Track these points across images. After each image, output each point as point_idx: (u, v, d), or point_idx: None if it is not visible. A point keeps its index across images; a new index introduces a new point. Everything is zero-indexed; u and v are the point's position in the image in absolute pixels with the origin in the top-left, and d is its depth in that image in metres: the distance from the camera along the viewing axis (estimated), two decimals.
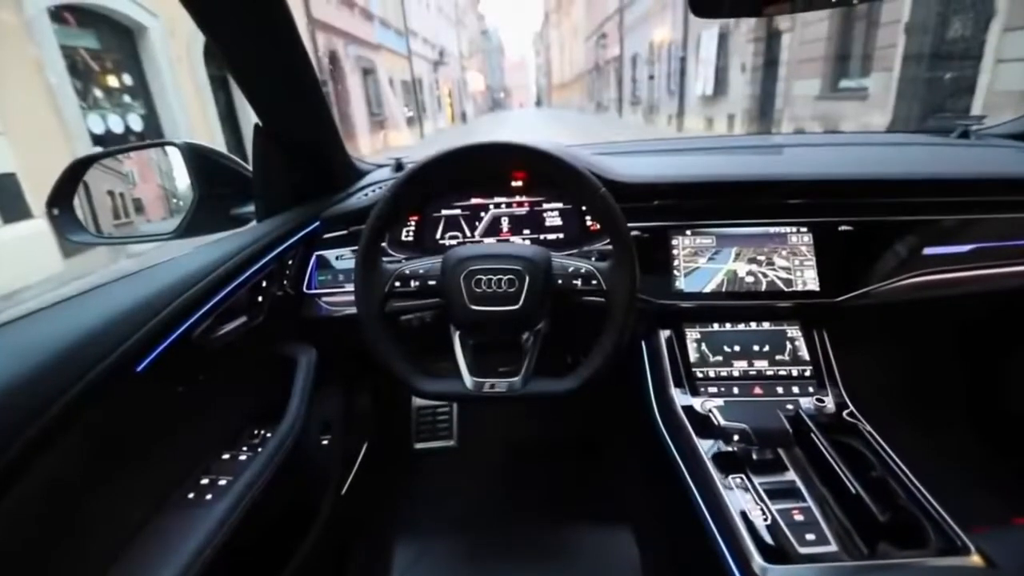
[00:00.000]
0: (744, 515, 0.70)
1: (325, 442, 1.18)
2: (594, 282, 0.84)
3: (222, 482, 0.77)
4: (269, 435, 0.88)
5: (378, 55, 16.36)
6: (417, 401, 1.66)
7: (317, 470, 1.16)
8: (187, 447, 0.81)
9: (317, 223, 1.11)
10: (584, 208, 1.14)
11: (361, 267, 0.84)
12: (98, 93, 5.72)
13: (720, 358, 1.00)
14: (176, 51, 6.68)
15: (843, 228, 1.02)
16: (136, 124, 6.10)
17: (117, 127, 5.80)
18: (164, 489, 0.75)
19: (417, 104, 21.20)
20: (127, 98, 6.14)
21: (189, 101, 6.90)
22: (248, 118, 1.05)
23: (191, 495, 0.75)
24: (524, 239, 1.15)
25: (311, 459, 1.14)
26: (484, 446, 1.60)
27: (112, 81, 5.96)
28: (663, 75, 15.99)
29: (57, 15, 5.17)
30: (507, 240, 1.15)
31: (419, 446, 1.59)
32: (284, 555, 0.98)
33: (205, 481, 0.78)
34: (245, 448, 0.86)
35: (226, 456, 0.84)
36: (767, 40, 9.58)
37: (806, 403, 0.89)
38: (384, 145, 15.33)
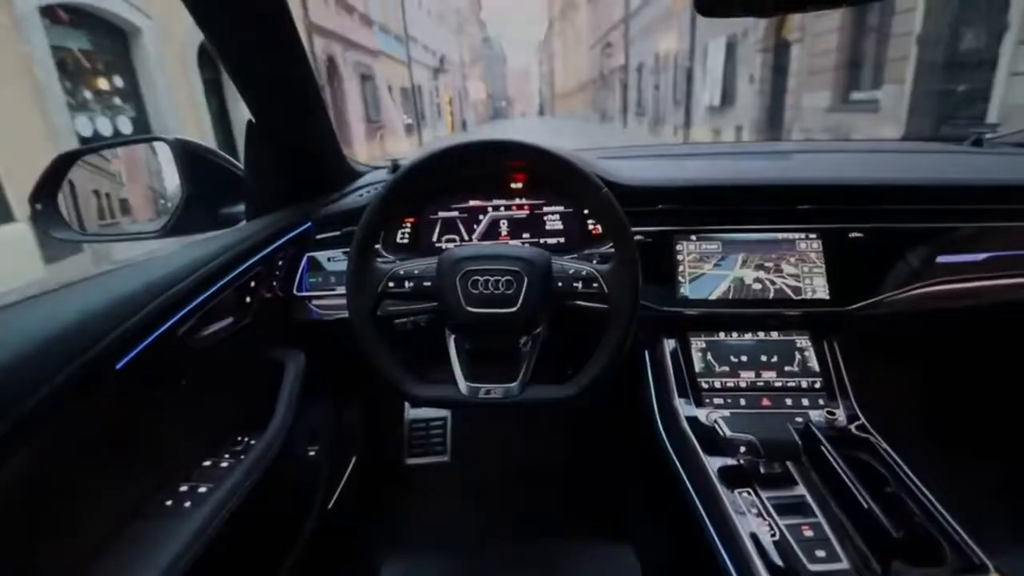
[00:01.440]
0: (753, 535, 0.68)
1: (312, 453, 1.15)
2: (595, 285, 0.81)
3: (202, 489, 0.74)
4: (253, 442, 0.84)
5: (377, 61, 16.33)
6: (410, 414, 1.60)
7: (303, 482, 1.13)
8: (167, 451, 0.78)
9: (309, 224, 1.09)
10: (586, 211, 1.10)
11: (354, 266, 0.81)
12: (87, 94, 5.62)
13: (726, 368, 0.98)
14: (170, 54, 6.56)
15: (854, 235, 1.00)
16: (125, 127, 6.00)
17: (105, 129, 5.70)
18: (142, 494, 0.72)
19: (416, 111, 21.15)
20: (117, 100, 6.04)
21: (181, 105, 6.77)
22: (241, 123, 0.97)
23: (169, 502, 0.72)
24: (523, 242, 1.11)
25: (296, 470, 1.10)
26: (479, 462, 1.55)
27: (102, 83, 5.86)
28: (669, 85, 15.88)
29: (51, 13, 5.08)
30: (506, 243, 1.11)
31: (411, 461, 1.53)
32: (266, 570, 0.95)
33: (184, 488, 0.75)
34: (228, 455, 0.82)
35: (207, 463, 0.81)
36: (775, 50, 9.46)
37: (816, 415, 0.87)
38: (381, 152, 15.26)
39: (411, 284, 0.84)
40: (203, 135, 7.12)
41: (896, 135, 6.33)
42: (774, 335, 1.01)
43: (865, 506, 0.65)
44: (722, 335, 1.01)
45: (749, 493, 0.74)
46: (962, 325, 1.15)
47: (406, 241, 1.13)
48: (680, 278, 1.02)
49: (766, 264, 1.02)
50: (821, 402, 0.92)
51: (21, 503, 0.55)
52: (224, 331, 0.83)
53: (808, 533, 0.67)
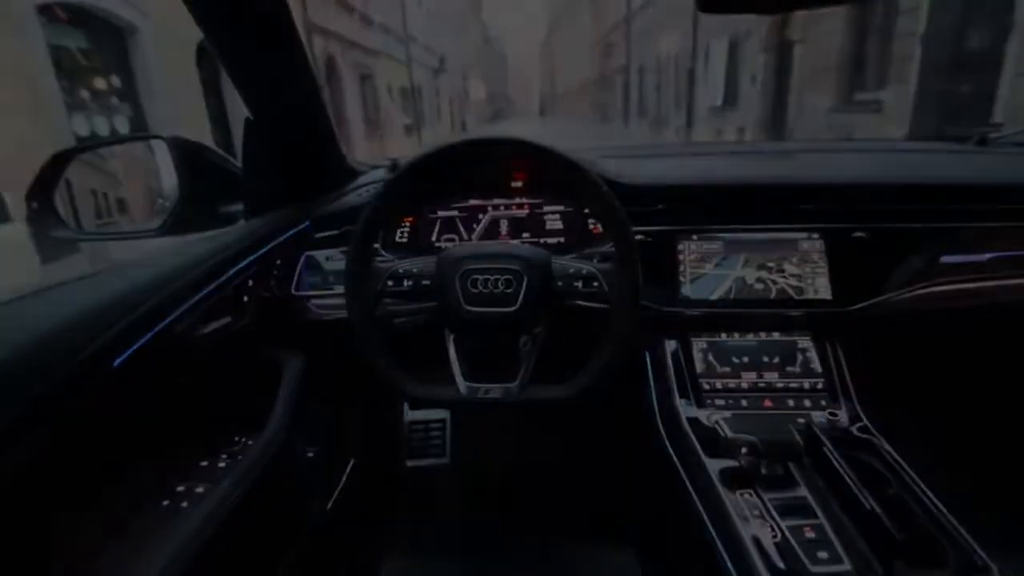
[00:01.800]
0: (754, 536, 0.68)
1: (311, 455, 1.15)
2: (595, 284, 0.81)
3: (200, 489, 0.74)
4: (251, 443, 0.84)
5: (377, 61, 16.28)
6: (409, 416, 1.60)
7: (301, 484, 1.12)
8: (165, 450, 0.78)
9: (307, 223, 1.08)
10: (586, 210, 1.10)
11: (352, 265, 0.80)
12: (85, 93, 5.60)
13: (728, 369, 0.97)
14: (168, 52, 6.52)
15: (857, 234, 0.99)
16: (123, 126, 5.98)
17: (103, 129, 5.68)
18: (138, 494, 0.71)
19: (416, 112, 21.07)
20: (115, 100, 6.01)
21: (179, 104, 6.74)
22: (239, 123, 0.97)
23: (166, 502, 0.72)
24: (523, 242, 1.10)
25: (295, 472, 1.09)
26: (479, 464, 1.55)
27: (100, 82, 5.84)
28: (671, 86, 15.82)
29: (49, 11, 5.07)
30: (505, 242, 1.11)
31: (411, 464, 1.54)
32: (264, 570, 0.94)
33: (181, 488, 0.74)
34: (225, 455, 0.82)
35: (205, 463, 0.80)
36: (778, 50, 9.42)
37: (819, 417, 0.87)
38: (381, 153, 15.18)
39: (410, 283, 0.84)
40: (201, 134, 7.10)
41: (900, 136, 6.31)
42: (776, 336, 1.00)
43: (867, 507, 0.65)
44: (723, 336, 1.01)
45: (750, 494, 0.74)
46: (966, 326, 1.14)
47: (405, 240, 1.13)
48: (681, 278, 1.02)
49: (768, 264, 1.01)
50: (823, 403, 0.92)
51: (17, 501, 0.54)
52: (222, 330, 0.84)
53: (810, 534, 0.67)
